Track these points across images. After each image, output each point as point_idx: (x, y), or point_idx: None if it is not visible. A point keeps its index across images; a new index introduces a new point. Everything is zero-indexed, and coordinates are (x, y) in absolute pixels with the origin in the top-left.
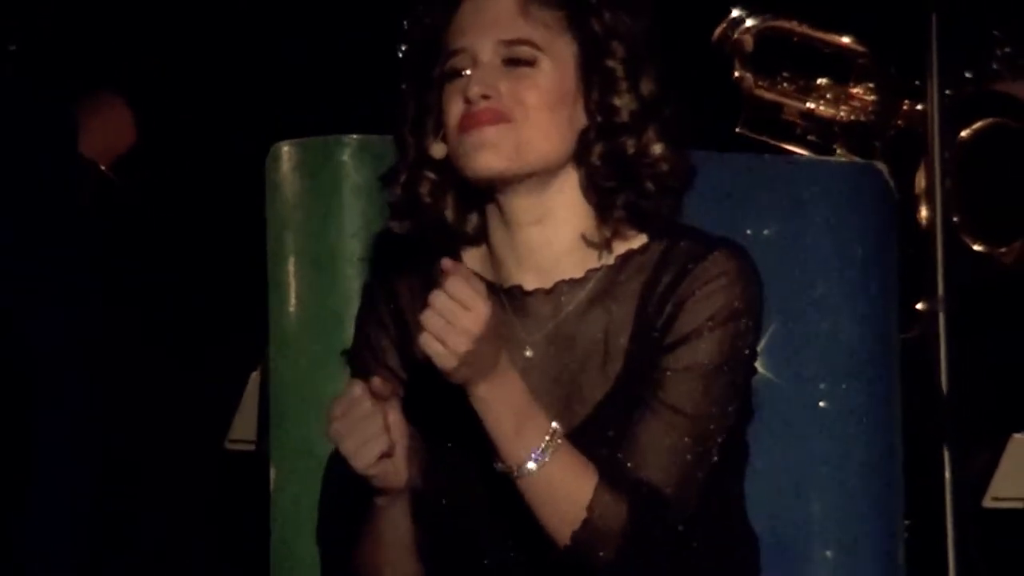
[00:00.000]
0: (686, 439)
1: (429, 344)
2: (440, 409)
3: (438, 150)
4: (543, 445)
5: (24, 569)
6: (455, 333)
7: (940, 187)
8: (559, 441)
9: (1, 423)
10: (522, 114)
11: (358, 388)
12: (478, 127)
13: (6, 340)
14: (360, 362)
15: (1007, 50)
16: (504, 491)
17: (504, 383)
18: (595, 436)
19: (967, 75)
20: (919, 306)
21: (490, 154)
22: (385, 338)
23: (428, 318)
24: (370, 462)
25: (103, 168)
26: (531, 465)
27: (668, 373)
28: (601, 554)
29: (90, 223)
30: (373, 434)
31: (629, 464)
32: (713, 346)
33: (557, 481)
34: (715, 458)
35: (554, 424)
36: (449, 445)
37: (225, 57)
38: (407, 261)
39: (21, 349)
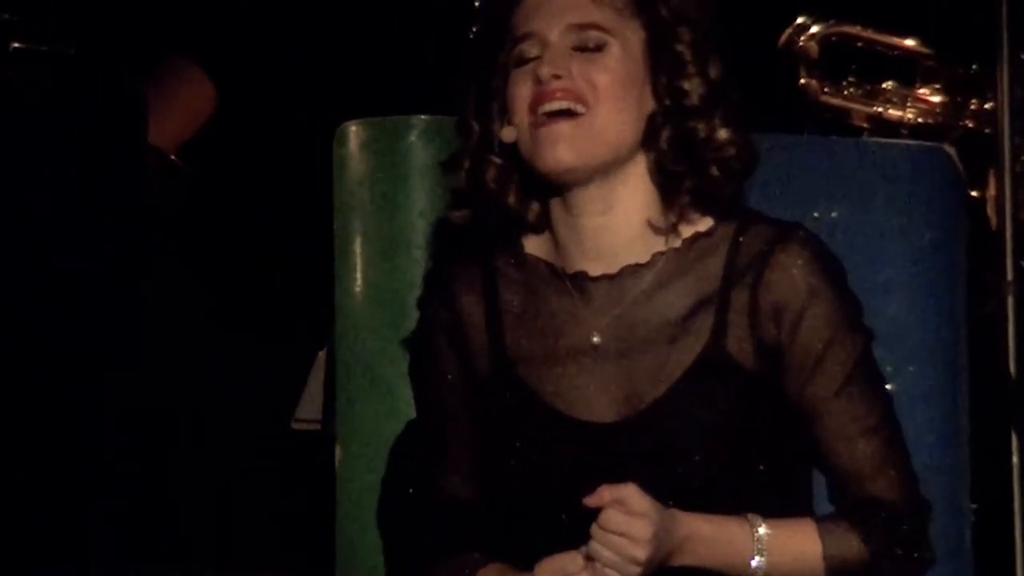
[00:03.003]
0: (878, 439)
1: (603, 574)
2: (506, 413)
3: (508, 133)
4: (755, 544)
5: (81, 547)
6: (625, 564)
7: (1010, 154)
8: (763, 528)
9: (65, 406)
10: (594, 97)
11: (578, 562)
12: (552, 122)
13: (69, 328)
14: (426, 381)
15: None
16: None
17: (689, 541)
18: (670, 414)
19: (1022, 56)
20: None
21: (563, 149)
22: (449, 357)
23: (596, 551)
24: None
25: (172, 157)
26: (759, 562)
27: (828, 398)
28: None
29: (157, 209)
30: None
31: (848, 493)
32: (846, 346)
33: (788, 556)
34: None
35: (750, 520)
36: (517, 445)
37: (294, 34)
38: (466, 251)
39: (83, 338)
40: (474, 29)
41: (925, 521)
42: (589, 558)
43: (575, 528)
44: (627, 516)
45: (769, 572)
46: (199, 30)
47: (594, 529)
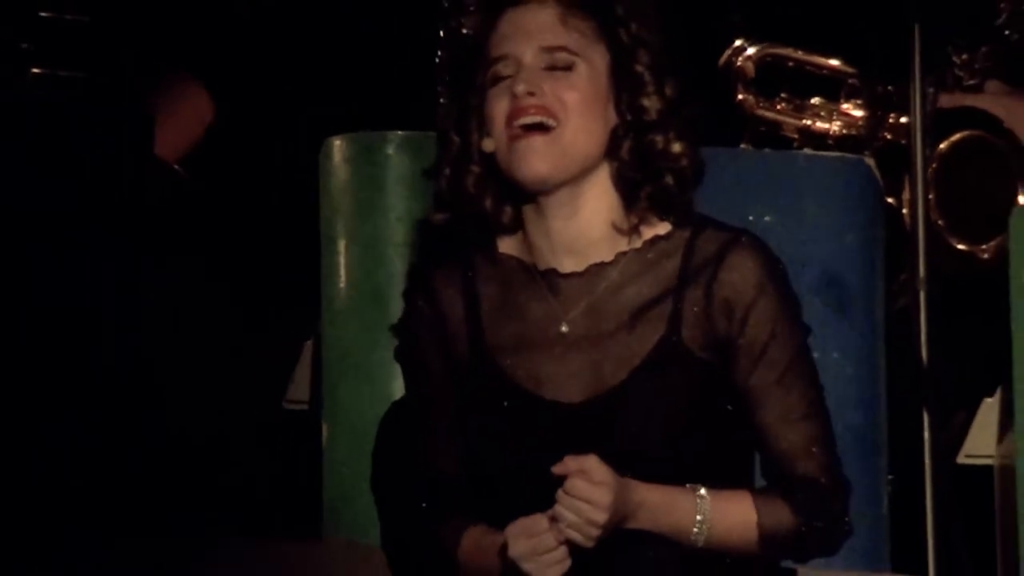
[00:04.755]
0: (810, 425)
1: (566, 533)
2: (484, 396)
3: (488, 144)
4: (698, 513)
5: (83, 518)
6: (585, 525)
7: (922, 165)
8: (706, 498)
9: (71, 402)
10: (563, 113)
11: (544, 523)
12: (527, 135)
13: (77, 337)
14: (412, 369)
15: (964, 57)
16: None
17: (641, 508)
18: (630, 396)
19: (930, 79)
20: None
21: (538, 161)
22: (431, 347)
23: (561, 514)
24: None
25: (176, 168)
26: (699, 532)
27: (769, 385)
28: (795, 549)
29: (162, 213)
30: (558, 559)
31: (781, 470)
32: (787, 338)
33: (727, 523)
34: (831, 424)
35: (694, 490)
36: (494, 424)
37: (286, 53)
38: (445, 250)
39: (93, 345)
40: (441, 54)
41: (846, 498)
42: (554, 520)
43: (546, 497)
44: (589, 484)
45: (709, 536)
46: (200, 49)
47: (559, 494)
